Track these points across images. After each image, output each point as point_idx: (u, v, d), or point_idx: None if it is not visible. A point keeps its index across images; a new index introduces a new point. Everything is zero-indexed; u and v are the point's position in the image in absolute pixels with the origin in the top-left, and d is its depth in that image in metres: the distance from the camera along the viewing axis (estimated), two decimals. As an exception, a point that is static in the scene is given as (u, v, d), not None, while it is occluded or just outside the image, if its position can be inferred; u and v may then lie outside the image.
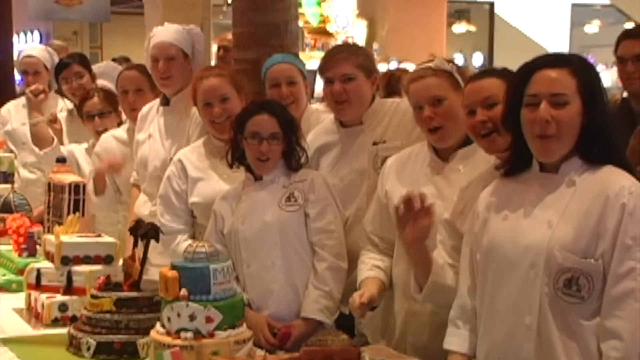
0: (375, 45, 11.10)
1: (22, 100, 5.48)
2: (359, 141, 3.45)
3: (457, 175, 2.88)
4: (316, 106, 4.14)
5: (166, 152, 3.94)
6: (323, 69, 3.49)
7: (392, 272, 3.06)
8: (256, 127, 3.20)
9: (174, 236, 3.50)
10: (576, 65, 2.37)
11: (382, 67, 8.39)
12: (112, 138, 4.42)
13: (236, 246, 3.22)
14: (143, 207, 3.97)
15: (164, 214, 3.56)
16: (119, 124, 4.60)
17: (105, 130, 4.54)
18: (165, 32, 4.05)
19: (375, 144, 3.40)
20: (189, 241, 3.19)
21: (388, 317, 3.10)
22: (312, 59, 9.71)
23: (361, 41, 11.77)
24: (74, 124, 4.91)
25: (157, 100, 4.13)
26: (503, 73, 2.75)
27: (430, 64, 2.99)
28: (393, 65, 9.81)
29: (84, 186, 3.67)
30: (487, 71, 2.89)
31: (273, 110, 3.24)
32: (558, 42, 15.53)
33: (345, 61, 3.43)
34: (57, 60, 5.58)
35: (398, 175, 3.03)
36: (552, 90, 2.34)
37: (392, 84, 5.40)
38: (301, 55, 4.83)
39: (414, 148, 3.09)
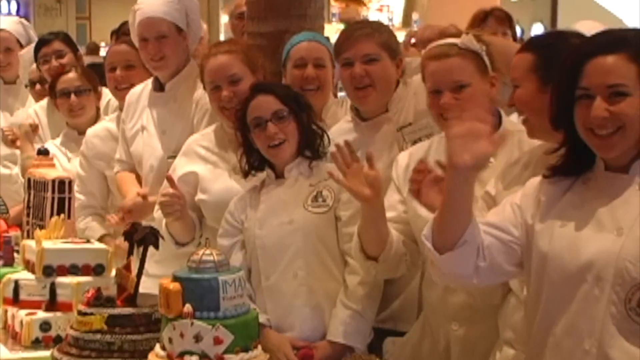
0: (414, 16, 11.07)
1: None
2: (385, 131, 3.46)
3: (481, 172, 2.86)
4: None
5: (164, 149, 3.93)
6: (340, 48, 3.48)
7: (423, 299, 3.10)
8: (255, 112, 3.22)
9: None
10: (635, 47, 2.33)
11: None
12: (97, 138, 4.38)
13: (253, 255, 3.24)
14: None
15: None
16: (97, 108, 4.62)
17: (82, 109, 4.57)
18: (152, 5, 3.98)
19: (400, 129, 3.41)
20: None
21: (420, 347, 3.11)
22: (339, 32, 9.69)
23: (398, 10, 11.76)
24: (55, 114, 4.91)
25: (149, 82, 4.10)
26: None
27: (456, 41, 2.98)
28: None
29: (70, 183, 3.69)
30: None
31: (268, 89, 3.26)
32: (635, 10, 15.41)
33: (367, 39, 3.42)
34: (33, 35, 5.58)
35: None
36: (608, 81, 2.32)
37: None
38: (327, 27, 4.82)
39: (432, 142, 3.09)
